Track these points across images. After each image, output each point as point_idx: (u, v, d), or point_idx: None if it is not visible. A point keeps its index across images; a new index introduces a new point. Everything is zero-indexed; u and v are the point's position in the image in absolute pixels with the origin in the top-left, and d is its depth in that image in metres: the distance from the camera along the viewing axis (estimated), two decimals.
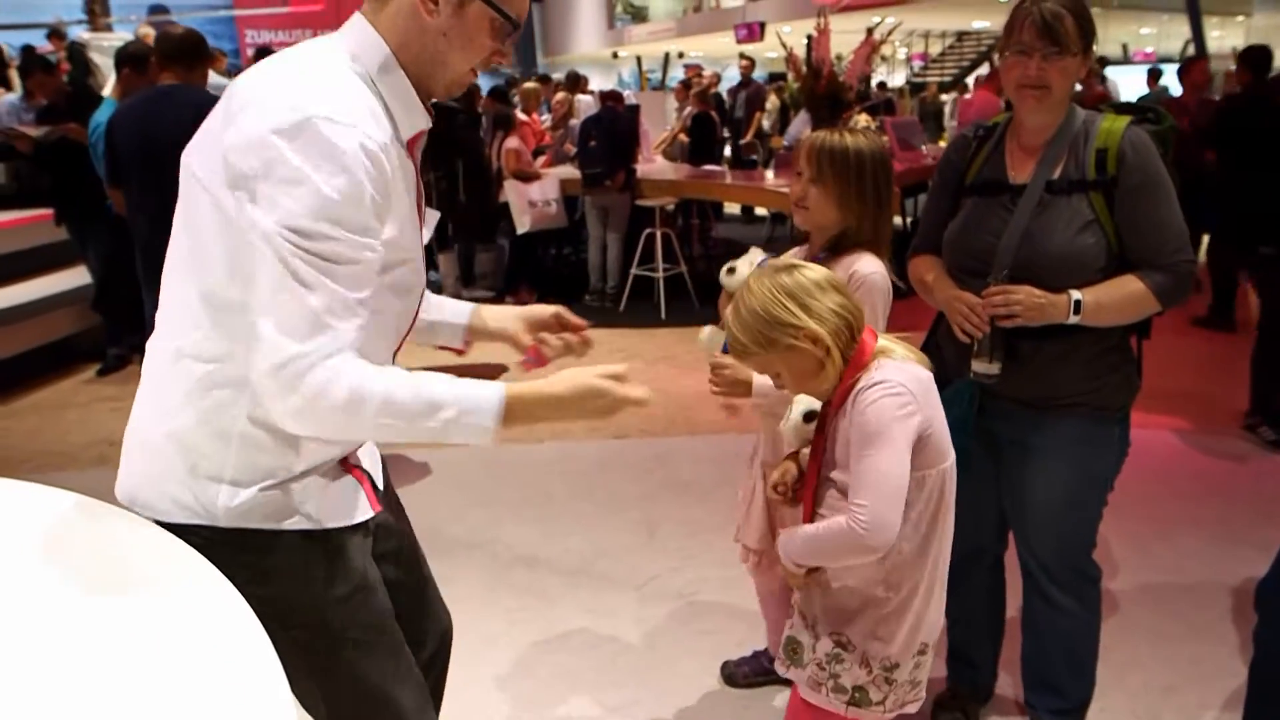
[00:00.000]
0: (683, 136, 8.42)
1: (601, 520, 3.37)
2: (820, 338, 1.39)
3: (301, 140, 1.11)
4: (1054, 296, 1.73)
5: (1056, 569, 1.96)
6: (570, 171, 6.77)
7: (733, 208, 9.69)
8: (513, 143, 6.47)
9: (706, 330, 1.98)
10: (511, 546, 3.17)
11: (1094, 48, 1.76)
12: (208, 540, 1.24)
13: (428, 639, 1.58)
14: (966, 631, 2.20)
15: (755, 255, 1.94)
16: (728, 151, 9.33)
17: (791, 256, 2.00)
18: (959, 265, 1.89)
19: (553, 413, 1.24)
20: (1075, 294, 1.72)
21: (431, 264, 7.37)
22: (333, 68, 1.20)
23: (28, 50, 8.12)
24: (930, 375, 1.44)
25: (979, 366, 1.81)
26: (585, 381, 1.24)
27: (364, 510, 1.38)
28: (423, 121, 1.28)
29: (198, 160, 1.19)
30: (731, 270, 1.92)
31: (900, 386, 1.37)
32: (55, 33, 8.97)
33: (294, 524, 1.28)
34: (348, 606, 1.33)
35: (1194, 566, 2.96)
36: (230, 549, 1.24)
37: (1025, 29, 1.72)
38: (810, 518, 1.50)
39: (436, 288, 7.02)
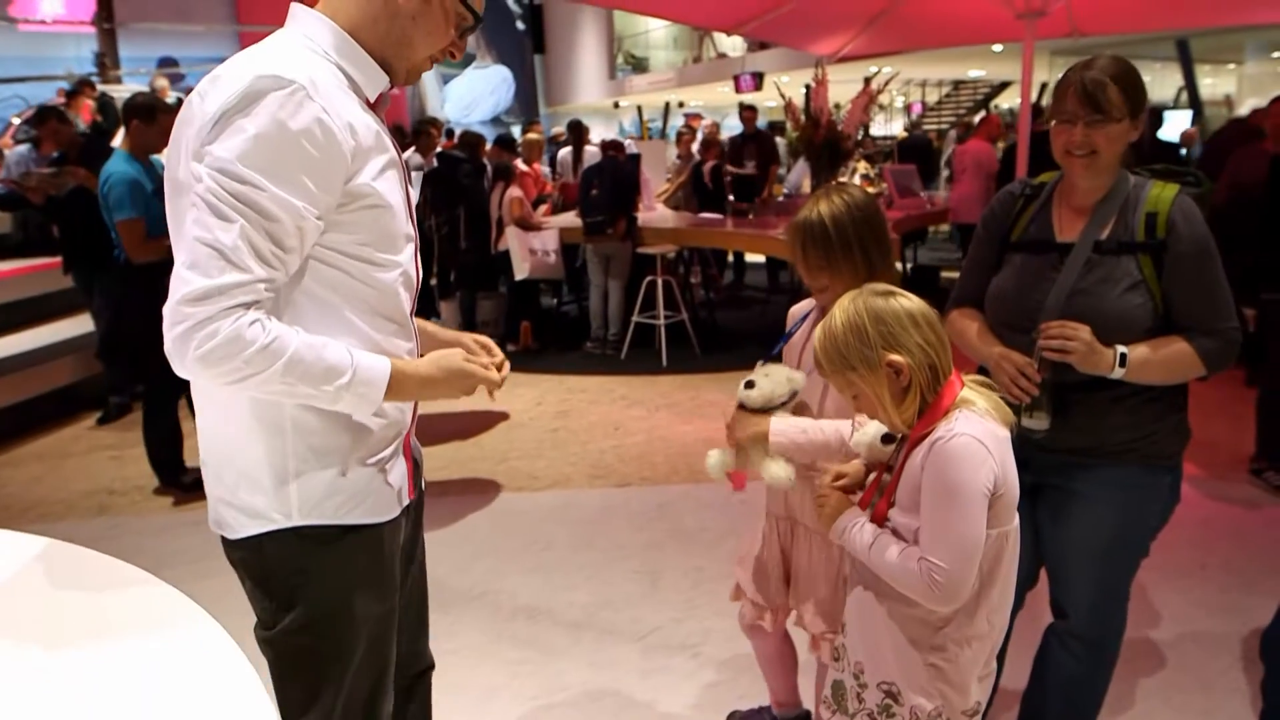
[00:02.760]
0: (669, 185, 8.50)
1: (603, 570, 3.34)
2: (903, 369, 1.38)
3: (252, 107, 1.16)
4: (1101, 348, 1.73)
5: (1082, 618, 1.94)
6: (572, 220, 6.84)
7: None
8: (515, 192, 6.55)
9: (714, 455, 1.90)
10: (514, 597, 3.14)
11: (1143, 112, 1.77)
12: (278, 547, 1.29)
13: (419, 659, 1.64)
14: None
15: (780, 373, 1.85)
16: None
17: (805, 312, 2.01)
18: (1003, 321, 1.89)
19: (426, 390, 1.33)
20: (1122, 348, 1.73)
21: (434, 311, 7.43)
22: (286, 46, 1.26)
23: (73, 93, 8.35)
24: (1008, 434, 1.41)
25: (1028, 422, 1.80)
26: (454, 364, 1.35)
27: (404, 497, 1.42)
28: (382, 81, 1.34)
29: (181, 170, 1.24)
30: (750, 384, 1.84)
31: (977, 443, 1.34)
32: (84, 83, 9.12)
33: (359, 517, 1.32)
34: (379, 627, 1.37)
35: (1203, 615, 2.93)
36: (299, 550, 1.29)
37: (1069, 97, 1.75)
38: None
39: None
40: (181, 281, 1.14)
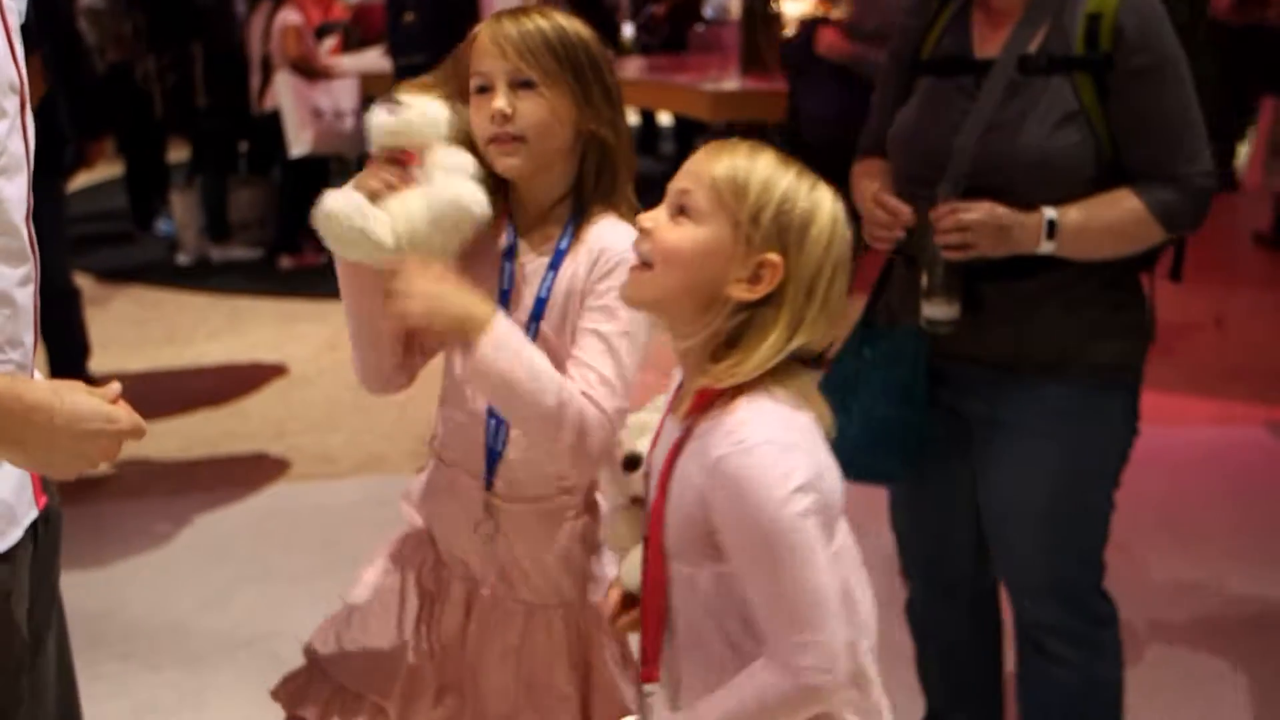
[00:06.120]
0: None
1: None
2: (772, 273, 1.32)
3: None
4: (1022, 216, 1.85)
5: (1050, 604, 2.07)
6: (376, 63, 6.72)
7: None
8: (289, 17, 6.38)
9: None
10: (299, 643, 3.12)
11: None
12: None
13: None
14: (950, 696, 2.32)
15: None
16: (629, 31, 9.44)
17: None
18: (905, 171, 2.04)
19: (30, 431, 1.17)
20: (1050, 212, 1.85)
21: (160, 208, 7.19)
22: None
23: None
24: (811, 421, 1.39)
25: (931, 310, 1.91)
26: (89, 404, 1.20)
27: (26, 510, 1.36)
28: None
29: None
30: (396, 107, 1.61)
31: (777, 448, 1.32)
32: None
33: None
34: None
35: (1243, 583, 3.10)
36: None
37: None
38: (657, 634, 1.46)
39: (172, 244, 6.87)
40: None
